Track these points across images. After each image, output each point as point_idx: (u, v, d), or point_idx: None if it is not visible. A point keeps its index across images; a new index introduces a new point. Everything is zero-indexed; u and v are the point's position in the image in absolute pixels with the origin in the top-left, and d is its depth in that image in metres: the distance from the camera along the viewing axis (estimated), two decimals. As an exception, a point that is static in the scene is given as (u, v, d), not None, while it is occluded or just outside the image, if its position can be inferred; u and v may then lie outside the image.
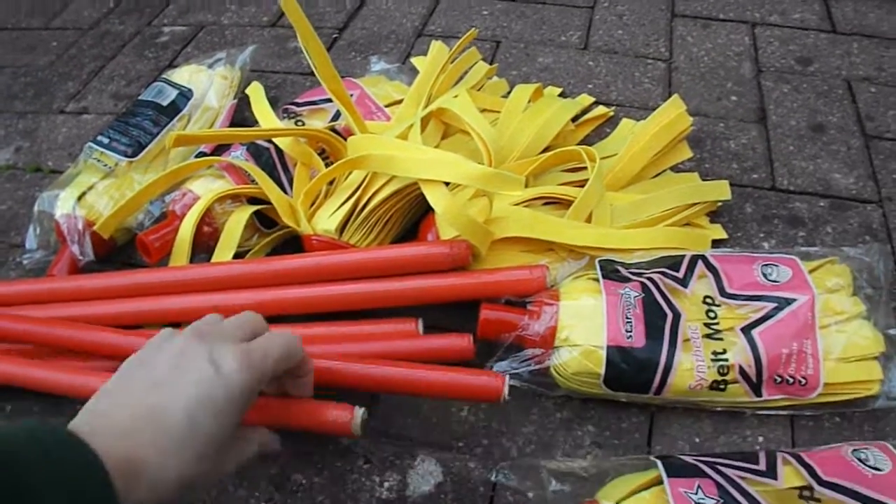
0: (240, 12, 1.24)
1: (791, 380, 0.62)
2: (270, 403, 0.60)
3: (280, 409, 0.60)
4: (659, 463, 0.54)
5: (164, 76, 0.96)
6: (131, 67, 1.15)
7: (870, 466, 0.54)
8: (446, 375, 0.61)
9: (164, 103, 0.90)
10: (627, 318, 0.62)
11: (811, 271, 0.66)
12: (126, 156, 0.84)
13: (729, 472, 0.53)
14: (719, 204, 0.79)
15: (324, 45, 0.76)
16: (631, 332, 0.62)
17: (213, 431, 0.46)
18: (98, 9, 1.32)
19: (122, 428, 0.43)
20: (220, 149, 0.88)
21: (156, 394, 0.46)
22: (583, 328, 0.62)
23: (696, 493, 0.51)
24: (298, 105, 0.87)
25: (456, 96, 0.76)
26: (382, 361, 0.63)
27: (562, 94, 0.96)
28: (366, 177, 0.72)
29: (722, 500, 0.51)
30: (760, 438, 0.63)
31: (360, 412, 0.59)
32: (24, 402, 0.72)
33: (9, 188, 0.97)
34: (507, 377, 0.60)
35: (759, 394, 0.62)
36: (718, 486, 0.52)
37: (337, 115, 0.85)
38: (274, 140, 0.81)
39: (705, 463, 0.54)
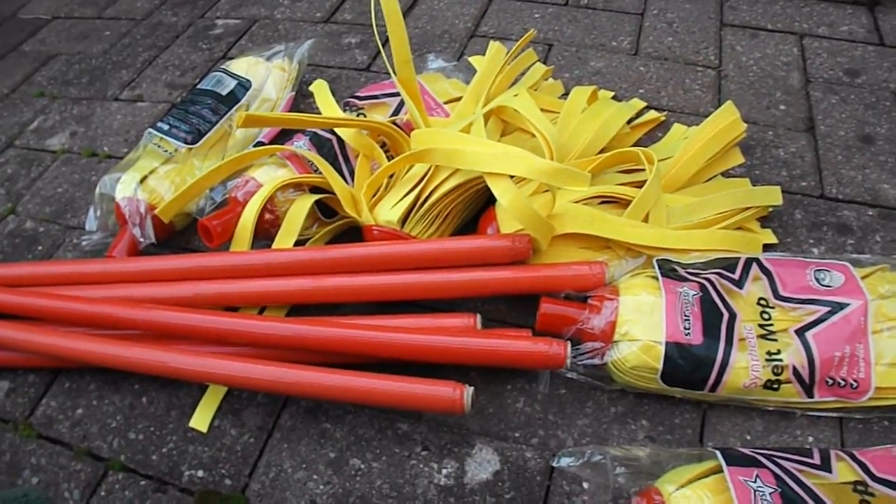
0: (293, 7, 1.26)
1: (843, 382, 0.63)
2: (377, 382, 0.62)
3: (387, 388, 0.62)
4: (718, 453, 0.56)
5: (222, 66, 0.98)
6: (185, 58, 1.18)
7: (920, 466, 0.55)
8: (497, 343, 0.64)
9: (224, 93, 0.93)
10: (686, 315, 0.64)
11: (863, 277, 0.68)
12: (186, 142, 0.86)
13: (786, 464, 0.55)
14: (770, 209, 0.80)
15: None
16: (689, 329, 0.63)
17: None
18: (150, 0, 1.35)
19: None
20: (279, 140, 0.90)
21: None
22: (643, 324, 0.64)
23: (755, 482, 0.53)
24: (360, 98, 0.89)
25: (516, 95, 0.77)
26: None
27: (614, 98, 0.98)
28: (428, 170, 0.74)
29: (780, 490, 0.52)
30: (810, 438, 0.64)
31: (469, 389, 0.61)
32: (81, 379, 0.75)
33: (65, 171, 1.00)
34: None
35: (810, 395, 0.63)
36: (776, 476, 0.54)
37: (398, 110, 0.87)
38: (336, 131, 0.83)
39: (762, 455, 0.56)
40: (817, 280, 0.67)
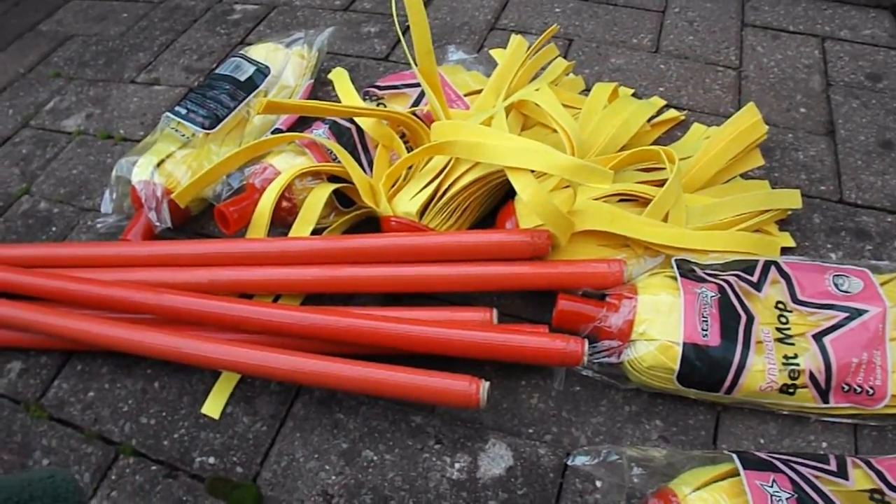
0: (311, -6, 1.26)
1: (859, 389, 0.62)
2: (393, 374, 0.62)
3: (403, 380, 0.62)
4: (734, 456, 0.55)
5: (241, 52, 0.98)
6: (203, 42, 1.17)
7: (937, 476, 0.55)
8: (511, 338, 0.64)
9: (242, 78, 0.92)
10: (704, 316, 0.63)
11: (882, 284, 0.67)
12: (203, 127, 0.86)
13: (802, 469, 0.55)
14: (789, 212, 0.80)
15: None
16: (707, 330, 0.63)
17: None
18: (169, -17, 1.34)
19: None
20: (297, 128, 0.89)
21: None
22: (660, 323, 0.63)
23: (772, 487, 0.53)
24: (380, 88, 0.89)
25: (537, 89, 0.77)
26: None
27: (634, 95, 0.97)
28: (448, 162, 0.74)
29: (796, 496, 0.52)
30: (824, 444, 0.64)
31: (485, 384, 0.61)
32: (94, 362, 0.75)
33: (80, 153, 1.00)
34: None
35: (826, 400, 0.63)
36: (793, 481, 0.53)
37: (418, 101, 0.87)
38: (356, 121, 0.82)
39: (779, 459, 0.55)
40: (836, 285, 0.67)
